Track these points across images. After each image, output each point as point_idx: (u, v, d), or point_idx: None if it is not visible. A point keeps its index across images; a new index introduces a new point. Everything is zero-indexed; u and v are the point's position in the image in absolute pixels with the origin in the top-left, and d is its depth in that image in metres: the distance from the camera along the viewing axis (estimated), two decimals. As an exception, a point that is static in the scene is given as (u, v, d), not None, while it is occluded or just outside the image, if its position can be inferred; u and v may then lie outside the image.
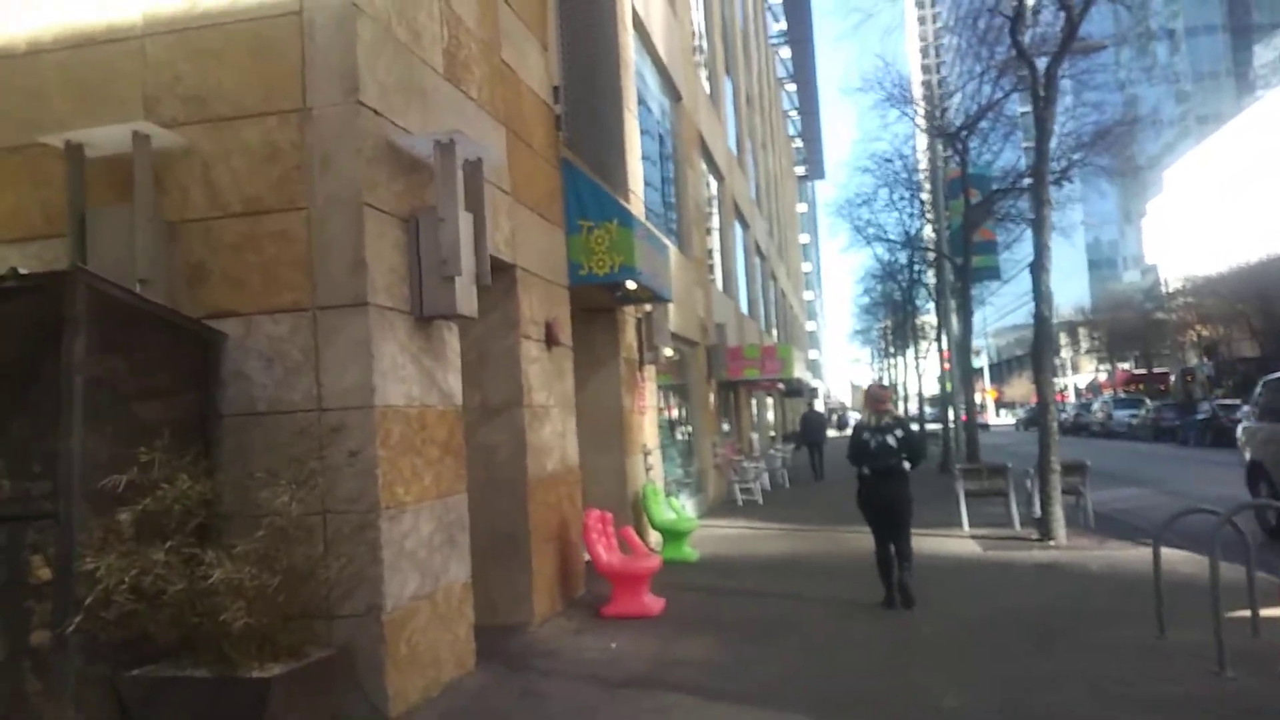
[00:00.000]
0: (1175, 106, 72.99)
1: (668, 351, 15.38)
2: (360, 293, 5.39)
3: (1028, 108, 20.87)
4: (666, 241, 11.79)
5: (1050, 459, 11.24)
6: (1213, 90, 75.11)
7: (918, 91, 23.90)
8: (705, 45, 22.85)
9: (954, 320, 20.95)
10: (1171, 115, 69.22)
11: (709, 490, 17.36)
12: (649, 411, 12.42)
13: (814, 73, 54.78)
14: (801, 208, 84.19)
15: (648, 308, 12.30)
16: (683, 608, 8.34)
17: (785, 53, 51.67)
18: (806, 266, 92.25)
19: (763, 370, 20.11)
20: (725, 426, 21.52)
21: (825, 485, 22.79)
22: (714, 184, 22.46)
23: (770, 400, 36.16)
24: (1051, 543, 11.04)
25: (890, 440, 8.04)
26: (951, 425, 21.57)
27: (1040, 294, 11.43)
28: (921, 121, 21.06)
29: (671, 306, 14.17)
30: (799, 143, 61.83)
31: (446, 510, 6.11)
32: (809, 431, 25.28)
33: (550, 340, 8.41)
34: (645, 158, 14.37)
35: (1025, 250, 18.46)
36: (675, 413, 16.51)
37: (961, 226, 19.22)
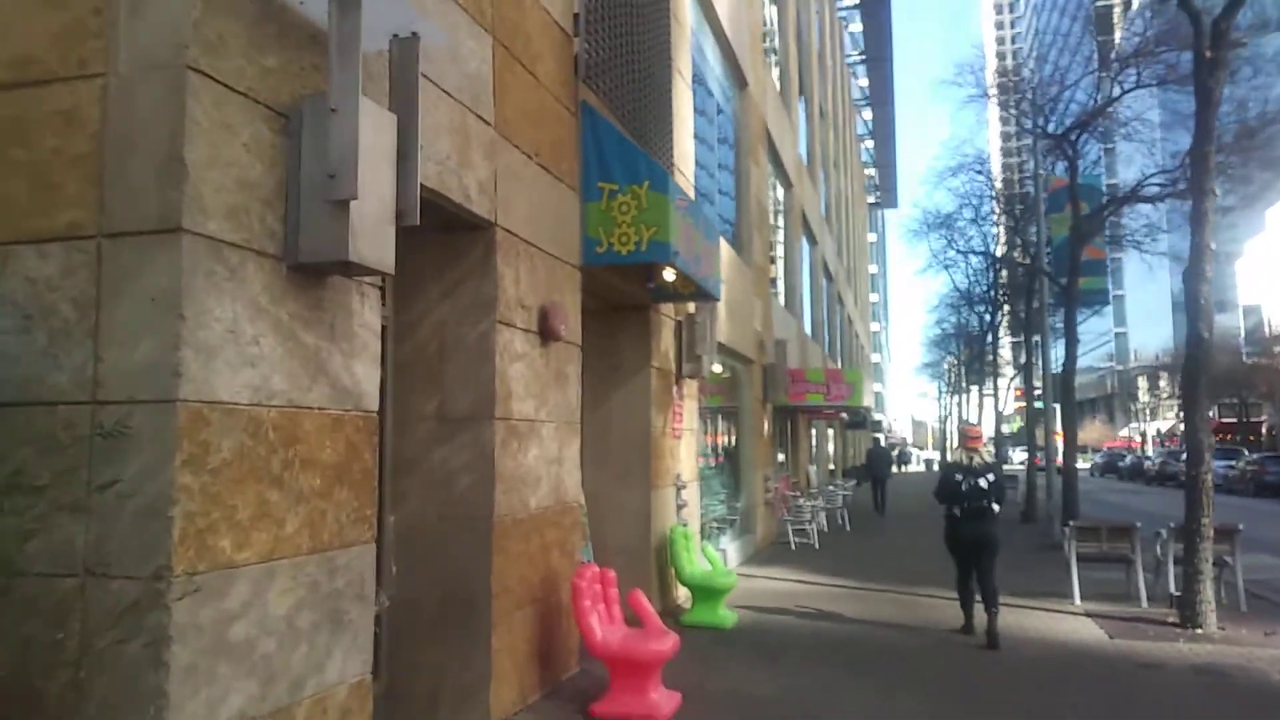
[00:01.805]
0: None
1: (715, 366, 13.11)
2: (171, 212, 3.26)
3: (1152, 108, 18.38)
4: (717, 229, 9.56)
5: (1203, 522, 8.67)
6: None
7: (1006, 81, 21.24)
8: (778, 43, 20.67)
9: (1045, 351, 18.26)
10: None
11: (757, 530, 14.96)
12: (686, 436, 10.14)
13: (892, 96, 52.43)
14: (871, 237, 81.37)
15: (691, 309, 10.05)
16: (706, 709, 6.03)
17: (863, 82, 49.55)
18: (874, 297, 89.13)
19: (828, 396, 17.67)
20: (780, 458, 19.10)
21: (889, 525, 20.33)
22: (780, 190, 20.19)
23: (831, 431, 33.54)
24: (1199, 630, 8.47)
25: (982, 483, 8.25)
26: (1021, 466, 18.87)
27: (1198, 309, 8.91)
28: (1017, 120, 18.47)
29: (722, 312, 11.91)
30: (871, 171, 59.35)
31: (329, 573, 3.91)
32: (875, 466, 25.26)
33: (546, 333, 6.21)
34: (699, 139, 12.19)
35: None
36: (722, 439, 14.18)
37: (1068, 241, 16.59)
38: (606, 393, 8.96)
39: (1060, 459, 17.54)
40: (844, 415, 28.81)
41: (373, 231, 3.79)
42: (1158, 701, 6.38)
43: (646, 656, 5.78)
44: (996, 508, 8.28)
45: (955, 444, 8.83)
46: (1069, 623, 8.99)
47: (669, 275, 8.05)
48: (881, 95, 50.45)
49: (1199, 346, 8.92)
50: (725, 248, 12.83)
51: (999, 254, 25.70)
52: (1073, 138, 16.04)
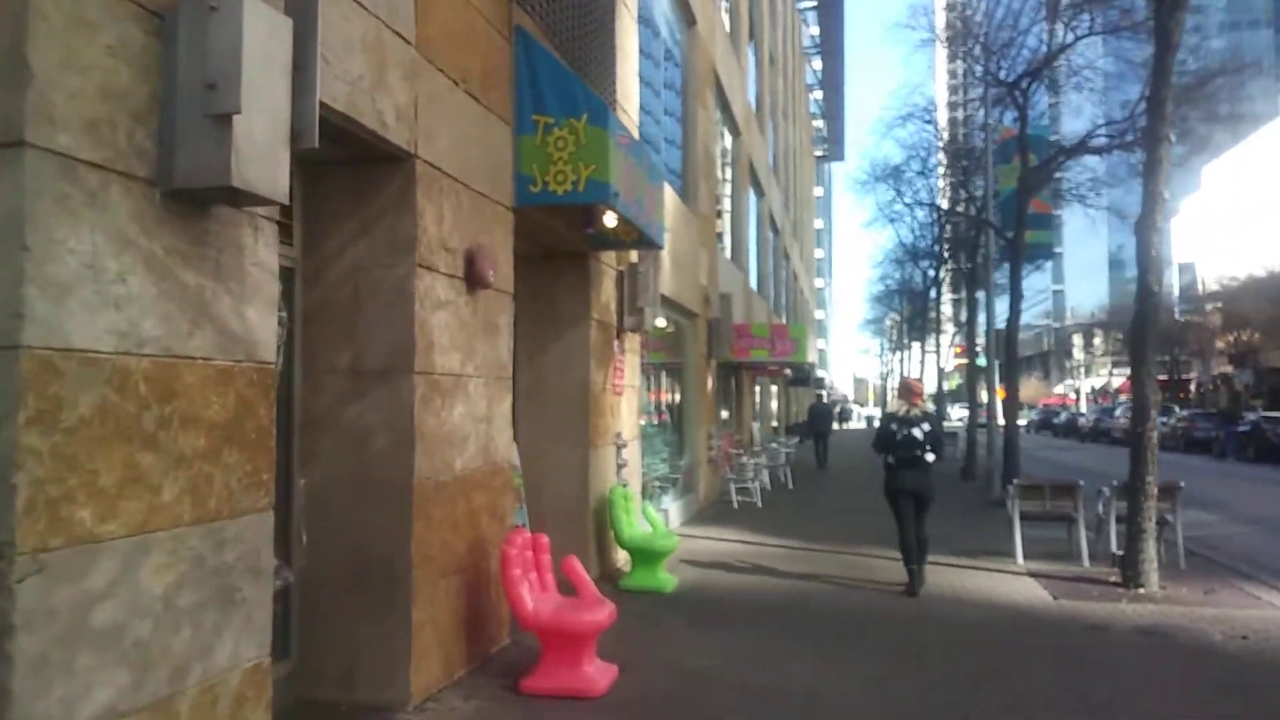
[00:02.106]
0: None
1: (659, 320, 12.71)
2: (11, 122, 2.73)
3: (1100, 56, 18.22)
4: (662, 172, 9.09)
5: (1147, 480, 8.56)
6: (1256, 87, 71.76)
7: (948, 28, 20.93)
8: (727, -18, 20.05)
9: (990, 306, 18.18)
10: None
11: (700, 489, 14.70)
12: (628, 393, 9.75)
13: (842, 45, 51.97)
14: (817, 191, 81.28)
15: (633, 258, 9.60)
16: (643, 681, 5.70)
17: (814, 30, 48.99)
18: (819, 252, 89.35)
19: (773, 352, 17.42)
20: (724, 415, 18.86)
21: (831, 481, 20.31)
22: (728, 138, 19.71)
23: (774, 388, 33.49)
24: (1142, 590, 8.38)
25: (916, 433, 8.36)
26: (961, 424, 18.94)
27: (1149, 260, 8.70)
28: (968, 67, 18.18)
29: (666, 263, 11.49)
30: (819, 123, 58.98)
31: (216, 545, 3.45)
32: (817, 422, 26.04)
33: (473, 279, 5.73)
34: (645, 83, 11.65)
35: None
36: (665, 396, 13.83)
37: (1015, 194, 16.41)
38: (543, 345, 8.51)
39: (995, 416, 17.58)
40: (788, 372, 28.70)
41: (262, 154, 3.27)
42: (1105, 663, 6.22)
43: (580, 628, 5.41)
44: (931, 457, 8.39)
45: (896, 396, 9.19)
46: (1012, 583, 8.86)
47: (610, 220, 7.59)
48: (832, 44, 49.92)
49: (1148, 301, 8.73)
50: (670, 195, 12.37)
51: (944, 207, 25.57)
52: (1023, 86, 15.78)
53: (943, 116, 27.98)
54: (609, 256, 9.06)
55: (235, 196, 3.31)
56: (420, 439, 5.09)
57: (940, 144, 23.85)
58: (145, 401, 3.13)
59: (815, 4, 45.46)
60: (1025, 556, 9.81)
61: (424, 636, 5.14)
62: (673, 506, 12.62)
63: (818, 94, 55.25)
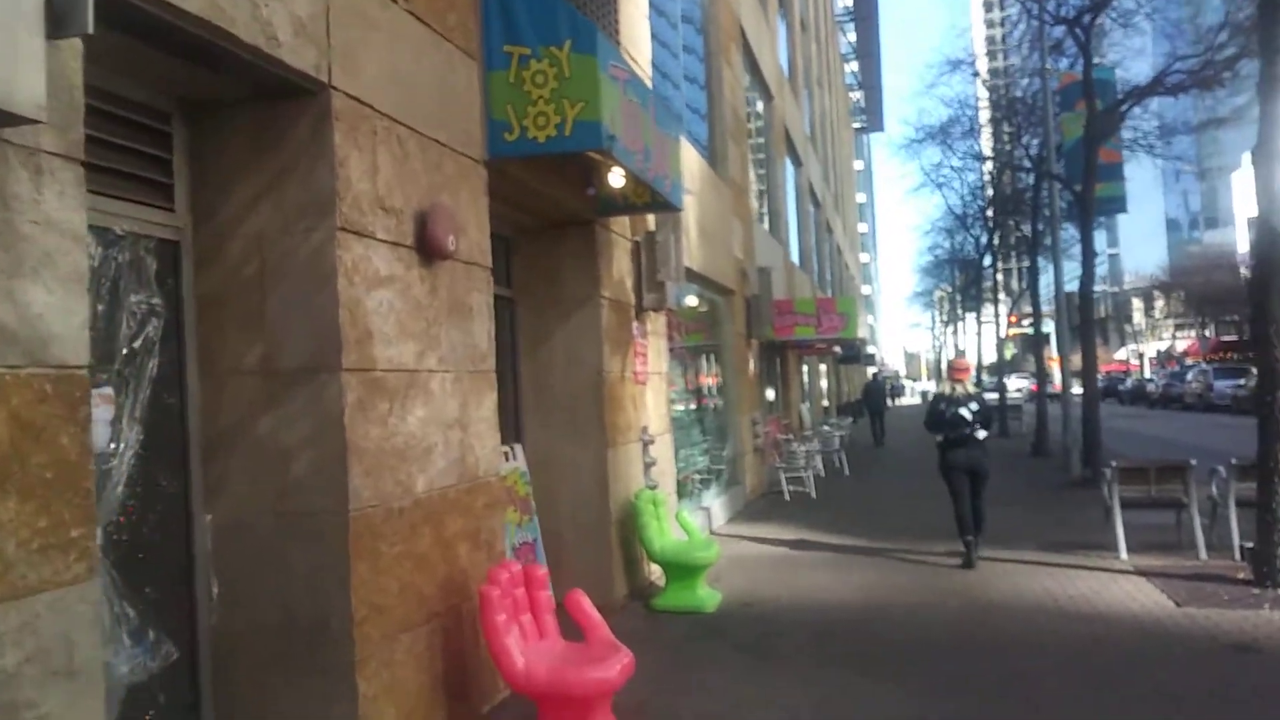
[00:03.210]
0: None
1: (689, 299, 11.43)
2: None
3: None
4: (679, 117, 7.80)
5: (1279, 459, 7.09)
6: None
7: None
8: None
9: (1058, 266, 16.55)
10: None
11: (746, 481, 13.40)
12: (653, 380, 8.47)
13: (875, 9, 50.11)
14: (857, 165, 79.02)
15: (651, 225, 8.31)
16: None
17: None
18: (862, 227, 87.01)
19: (819, 328, 15.98)
20: (770, 398, 17.51)
21: (888, 463, 18.93)
22: (760, 103, 18.29)
23: (824, 367, 31.95)
24: (1280, 590, 6.94)
25: (965, 411, 8.57)
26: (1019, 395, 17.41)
27: (1271, 198, 7.20)
28: (1022, 4, 16.52)
29: (693, 234, 10.20)
30: (856, 94, 57.02)
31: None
32: (872, 398, 26.27)
33: (430, 248, 4.49)
34: (661, 43, 10.36)
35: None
36: (703, 382, 12.54)
37: (1082, 143, 14.77)
38: (546, 331, 7.27)
39: (1069, 386, 16.02)
40: (837, 349, 27.19)
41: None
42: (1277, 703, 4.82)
43: (584, 689, 4.16)
44: (982, 434, 8.62)
45: (944, 376, 9.31)
46: (1121, 585, 7.44)
47: (616, 179, 6.34)
48: (866, 9, 48.07)
49: (1273, 243, 7.23)
50: (697, 160, 11.07)
51: (995, 163, 23.81)
52: (1085, 21, 14.13)
53: (982, 68, 26.09)
54: (621, 224, 7.78)
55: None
56: (356, 455, 3.87)
57: (989, 96, 22.11)
58: None
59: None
60: (1129, 549, 8.36)
61: (379, 712, 3.94)
62: (716, 503, 11.34)
63: (853, 66, 53.48)
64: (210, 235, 3.97)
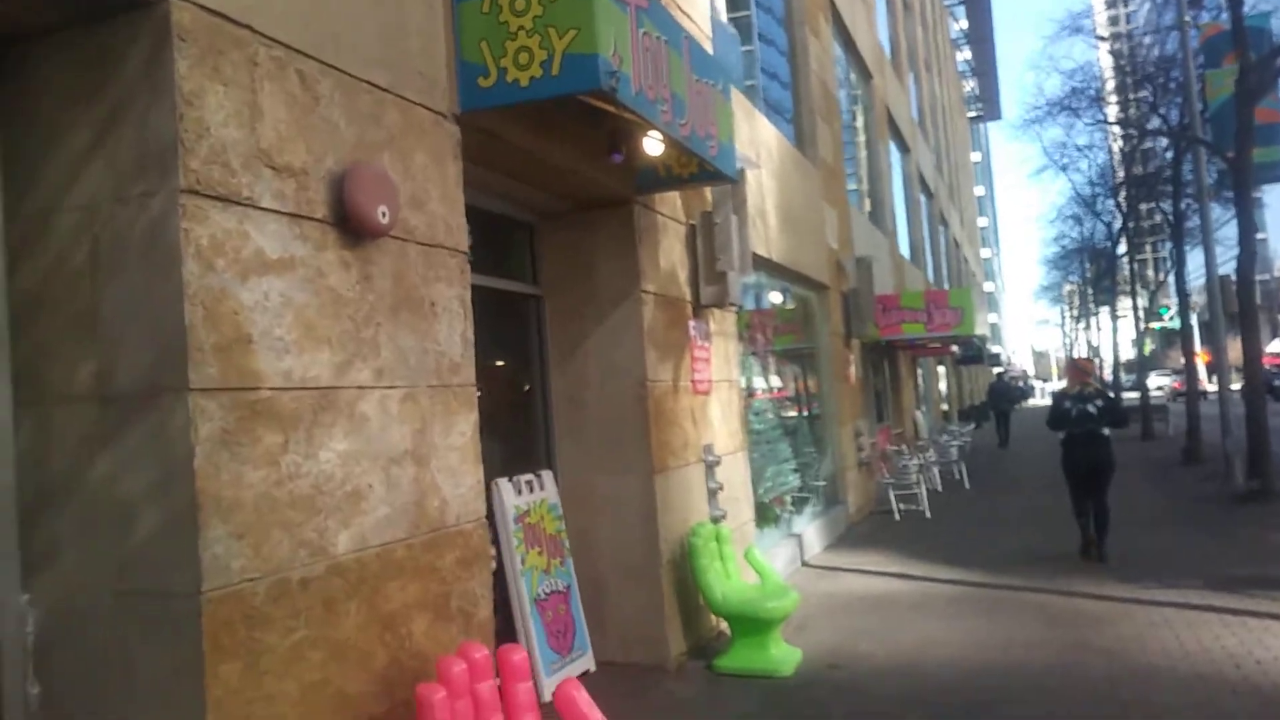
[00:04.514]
0: None
1: (774, 296, 10.09)
2: None
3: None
4: (726, 68, 6.49)
5: None
6: None
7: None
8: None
9: (1209, 247, 14.41)
10: None
11: (849, 500, 11.88)
12: (721, 389, 7.17)
13: (988, -1, 47.66)
14: (975, 156, 75.46)
15: (709, 203, 7.01)
16: None
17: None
18: (983, 221, 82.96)
19: (930, 324, 14.28)
20: (877, 405, 15.89)
21: (1014, 469, 17.00)
22: (856, 81, 16.74)
23: (942, 369, 29.82)
24: None
25: (1090, 409, 8.53)
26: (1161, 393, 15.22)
27: None
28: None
29: (772, 218, 8.87)
30: (970, 84, 54.21)
31: None
32: (997, 400, 25.18)
33: (355, 221, 3.33)
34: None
35: None
36: (794, 389, 11.13)
37: (1234, 101, 12.71)
38: (579, 334, 6.07)
39: (1227, 383, 13.87)
40: (955, 349, 25.15)
41: None
42: None
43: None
44: (1107, 431, 8.55)
45: (1067, 375, 9.31)
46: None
47: (653, 145, 5.13)
48: (978, -4, 45.58)
49: None
50: (776, 136, 9.72)
51: (1126, 135, 21.46)
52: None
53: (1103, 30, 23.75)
54: (671, 205, 6.52)
55: None
56: (217, 511, 2.73)
57: (1114, 61, 19.88)
58: None
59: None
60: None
61: None
62: (810, 528, 9.91)
63: (966, 54, 50.96)
64: (31, 211, 2.91)
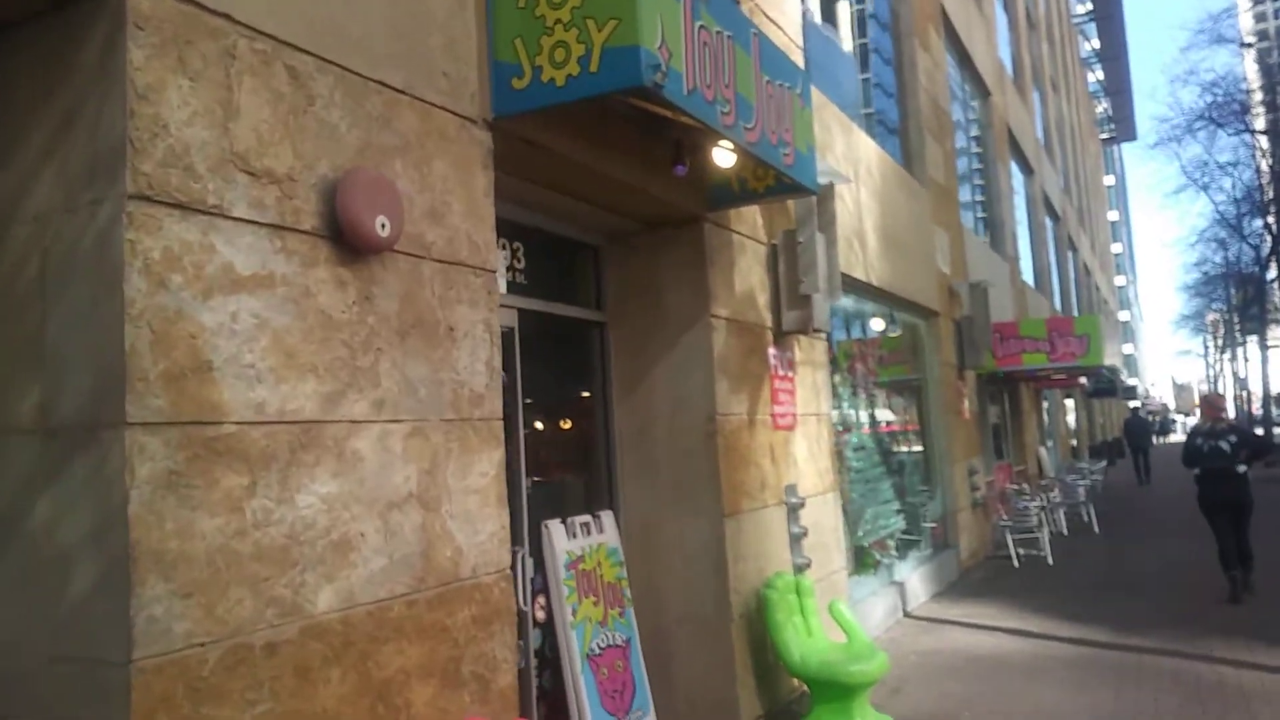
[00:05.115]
0: None
1: (876, 323, 9.42)
2: None
3: None
4: (799, 71, 5.94)
5: None
6: None
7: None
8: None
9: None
10: None
11: (961, 544, 10.99)
12: (807, 424, 6.56)
13: (1120, 6, 45.46)
14: (1108, 180, 71.92)
15: (794, 220, 6.45)
16: None
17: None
18: (1116, 248, 78.82)
19: (1053, 354, 13.21)
20: (993, 440, 14.85)
21: (1151, 511, 15.61)
22: (973, 99, 15.87)
23: (1070, 402, 28.08)
24: None
25: (1223, 445, 8.44)
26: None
27: None
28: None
29: (871, 239, 8.27)
30: (1103, 105, 51.69)
31: None
32: (1135, 436, 24.47)
33: (346, 232, 2.96)
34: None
35: None
36: (898, 422, 10.37)
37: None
38: (646, 364, 5.59)
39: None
40: (1083, 381, 23.58)
41: None
42: None
43: None
44: (1243, 469, 8.43)
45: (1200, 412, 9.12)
46: None
47: (724, 156, 4.67)
48: (1108, 7, 43.50)
49: None
50: (877, 153, 9.11)
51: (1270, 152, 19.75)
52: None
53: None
54: (749, 224, 6.01)
55: None
56: (156, 566, 2.35)
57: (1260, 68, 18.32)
58: None
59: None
60: None
61: None
62: (914, 575, 9.13)
63: (1098, 74, 48.70)
64: (-19, 223, 2.63)
